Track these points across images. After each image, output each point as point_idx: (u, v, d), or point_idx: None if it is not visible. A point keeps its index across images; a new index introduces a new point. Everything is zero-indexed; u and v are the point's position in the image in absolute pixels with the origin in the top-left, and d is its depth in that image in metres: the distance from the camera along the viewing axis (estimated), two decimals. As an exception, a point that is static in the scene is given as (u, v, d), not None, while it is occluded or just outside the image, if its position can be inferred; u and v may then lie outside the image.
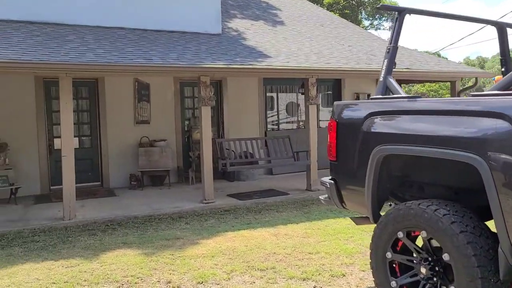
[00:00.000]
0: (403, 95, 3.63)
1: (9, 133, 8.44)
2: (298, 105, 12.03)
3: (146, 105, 9.92)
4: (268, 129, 11.44)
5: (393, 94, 3.70)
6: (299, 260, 4.85)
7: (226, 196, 8.39)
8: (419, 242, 3.29)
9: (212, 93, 7.69)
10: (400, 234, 3.28)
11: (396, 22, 3.81)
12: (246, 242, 5.52)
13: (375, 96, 3.80)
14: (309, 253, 5.05)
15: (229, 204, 7.78)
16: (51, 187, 9.07)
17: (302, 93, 9.26)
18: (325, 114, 12.45)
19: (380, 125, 3.56)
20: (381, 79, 3.79)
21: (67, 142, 6.73)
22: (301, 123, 12.06)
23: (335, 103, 4.12)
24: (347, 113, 3.99)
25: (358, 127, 3.69)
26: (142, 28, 9.33)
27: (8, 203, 8.06)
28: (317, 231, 5.96)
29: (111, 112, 9.52)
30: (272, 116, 11.72)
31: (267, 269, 4.60)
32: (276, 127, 11.67)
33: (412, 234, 3.30)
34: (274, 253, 5.09)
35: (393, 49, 3.78)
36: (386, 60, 3.80)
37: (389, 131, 3.46)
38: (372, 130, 3.58)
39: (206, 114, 7.72)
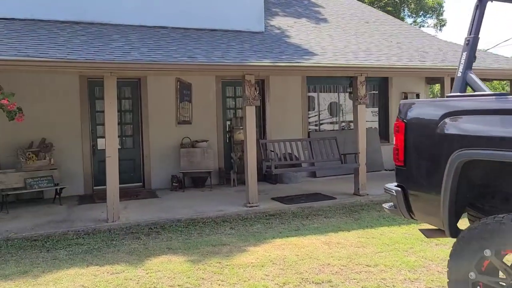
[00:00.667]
0: (488, 92, 3.19)
1: (54, 133, 8.48)
2: (340, 105, 11.59)
3: (187, 105, 9.75)
4: (310, 130, 11.04)
5: (475, 91, 3.25)
6: (356, 273, 4.47)
7: (270, 200, 8.08)
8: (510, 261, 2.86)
9: (257, 92, 7.40)
10: (488, 253, 2.85)
11: (476, 10, 3.36)
12: (297, 250, 5.18)
13: (452, 94, 3.36)
14: (367, 266, 4.65)
15: (274, 208, 7.46)
16: (94, 188, 9.06)
17: (350, 93, 8.83)
18: (369, 115, 11.93)
19: (460, 127, 3.13)
20: (459, 74, 3.36)
21: (111, 143, 6.62)
22: (343, 123, 11.60)
23: (402, 101, 3.71)
24: (417, 113, 3.57)
25: (431, 128, 3.28)
26: (184, 27, 9.17)
27: (53, 203, 8.07)
28: (372, 241, 5.54)
29: (153, 112, 9.42)
30: (313, 116, 11.31)
31: (322, 282, 4.25)
32: (317, 127, 11.25)
33: (502, 252, 2.86)
34: (328, 264, 4.72)
35: (473, 40, 3.34)
36: (465, 53, 3.36)
37: (473, 134, 3.03)
38: (450, 132, 3.16)
39: (250, 114, 7.44)
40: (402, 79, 11.50)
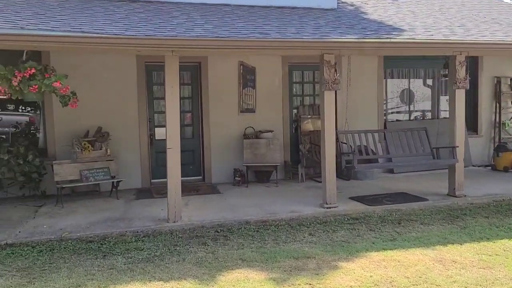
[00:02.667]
0: None
1: (110, 121, 7.85)
2: (414, 92, 10.26)
3: (251, 92, 8.83)
4: (387, 120, 9.80)
5: None
6: (497, 309, 3.36)
7: (348, 199, 7.01)
8: None
9: (338, 75, 6.32)
10: None
11: None
12: (404, 270, 4.12)
13: None
14: (508, 298, 3.52)
15: (355, 210, 6.40)
16: (152, 180, 8.39)
17: (444, 75, 7.54)
18: (445, 104, 10.51)
19: None
20: None
21: (173, 133, 5.82)
22: (416, 113, 10.27)
23: None
24: None
25: None
26: (249, 4, 8.21)
27: (110, 197, 7.46)
28: (497, 259, 4.37)
29: (214, 99, 8.58)
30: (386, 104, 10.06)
31: (455, 321, 3.18)
32: (390, 117, 9.98)
33: None
34: (454, 292, 3.63)
35: None
36: None
37: None
38: None
39: (329, 100, 6.38)
40: (495, 60, 9.96)
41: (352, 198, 7.07)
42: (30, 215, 6.36)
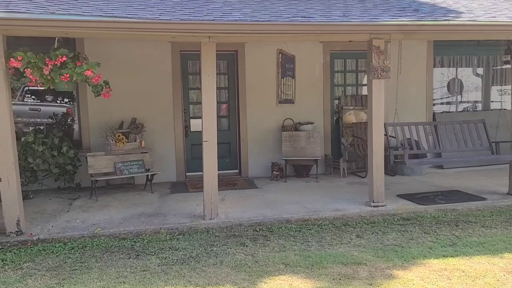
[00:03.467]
0: None
1: (144, 113, 7.60)
2: (462, 82, 9.49)
3: (290, 81, 8.37)
4: (436, 112, 9.12)
5: None
6: None
7: (396, 197, 6.47)
8: None
9: (388, 62, 5.77)
10: None
11: None
12: (471, 283, 3.60)
13: None
14: None
15: (405, 210, 5.86)
16: (187, 174, 8.12)
17: (506, 61, 6.82)
18: (494, 93, 9.71)
19: None
20: None
21: (209, 125, 5.47)
22: (465, 104, 9.51)
23: None
24: None
25: None
26: (289, -12, 7.72)
27: (144, 190, 7.24)
28: None
29: (251, 89, 8.18)
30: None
31: None
32: (435, 109, 9.27)
33: None
34: (536, 313, 3.10)
35: None
36: None
37: None
38: None
39: (378, 89, 5.85)
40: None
41: (401, 196, 6.52)
42: (64, 208, 6.20)
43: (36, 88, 12.52)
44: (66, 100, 10.82)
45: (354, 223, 5.42)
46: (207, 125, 5.46)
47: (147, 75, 7.65)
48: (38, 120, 10.89)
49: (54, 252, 4.54)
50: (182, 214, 5.81)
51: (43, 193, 7.03)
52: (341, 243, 4.72)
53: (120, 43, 7.38)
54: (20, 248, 4.67)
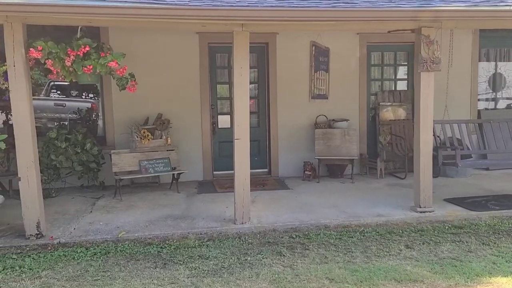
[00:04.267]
0: None
1: (170, 108, 7.23)
2: (504, 77, 8.76)
3: (324, 75, 7.86)
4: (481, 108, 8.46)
5: None
6: None
7: (443, 202, 5.90)
8: None
9: (438, 53, 5.21)
10: None
11: None
12: (555, 309, 3.06)
13: None
14: None
15: (456, 216, 5.31)
16: (214, 172, 7.72)
17: None
18: None
19: None
20: None
21: (242, 121, 5.04)
22: (506, 101, 8.78)
23: None
24: None
25: None
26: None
27: (170, 189, 6.88)
28: None
29: (282, 84, 7.70)
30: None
31: None
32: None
33: None
34: None
35: None
36: None
37: None
38: None
39: (427, 83, 5.30)
40: None
41: (448, 201, 5.95)
42: (87, 208, 5.89)
43: (62, 82, 12.42)
44: (91, 95, 10.58)
45: (400, 231, 4.91)
46: (239, 121, 5.03)
47: (173, 69, 7.27)
48: (63, 115, 10.71)
49: (75, 258, 4.20)
50: (211, 217, 5.40)
51: (66, 191, 6.75)
52: (390, 255, 4.22)
53: (146, 34, 7.03)
54: (40, 253, 4.34)
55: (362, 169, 7.91)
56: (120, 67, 4.50)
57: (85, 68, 4.43)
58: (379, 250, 4.34)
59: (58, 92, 12.35)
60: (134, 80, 4.83)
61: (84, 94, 11.62)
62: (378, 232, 4.90)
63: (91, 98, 10.65)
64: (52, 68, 4.42)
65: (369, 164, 7.85)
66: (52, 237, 4.67)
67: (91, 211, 5.74)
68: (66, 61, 4.40)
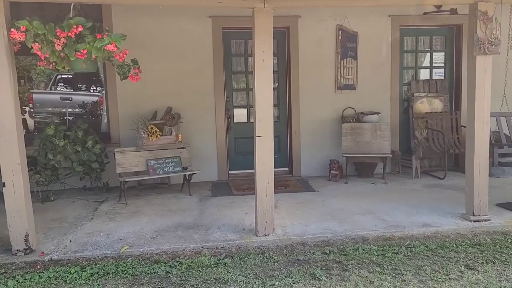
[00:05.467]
0: None
1: (181, 101, 6.50)
2: None
3: (351, 63, 7.04)
4: None
5: None
6: None
7: (496, 207, 5.07)
8: None
9: (498, 32, 4.37)
10: None
11: None
12: None
13: None
14: None
15: (517, 226, 4.49)
16: (229, 172, 6.98)
17: None
18: None
19: None
20: None
21: (264, 115, 4.28)
22: None
23: None
24: None
25: None
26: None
27: (181, 192, 6.17)
28: None
29: (305, 73, 6.91)
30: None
31: None
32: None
33: None
34: None
35: None
36: None
37: None
38: None
39: (483, 68, 4.47)
40: None
41: (502, 206, 5.12)
42: (87, 215, 5.20)
43: (68, 75, 11.77)
44: (99, 88, 9.91)
45: (454, 245, 4.11)
46: (261, 115, 4.27)
47: (184, 58, 6.53)
48: (70, 110, 10.05)
49: (68, 281, 3.49)
50: (228, 226, 4.66)
51: (67, 193, 6.08)
52: (450, 279, 3.43)
53: (153, 19, 6.31)
54: (27, 273, 3.65)
55: (394, 167, 7.09)
56: (119, 51, 3.75)
57: (79, 53, 3.70)
58: (434, 272, 3.55)
59: (66, 85, 11.73)
60: (138, 68, 4.09)
61: (92, 87, 10.98)
62: (427, 246, 4.11)
63: (99, 91, 10.00)
64: (39, 53, 3.70)
65: (401, 162, 7.03)
66: (43, 252, 3.98)
67: (91, 218, 5.05)
68: (56, 44, 3.68)
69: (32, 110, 10.71)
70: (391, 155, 6.65)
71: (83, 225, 4.81)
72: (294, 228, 4.56)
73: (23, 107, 8.77)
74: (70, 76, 11.50)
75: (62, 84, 11.70)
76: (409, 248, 4.07)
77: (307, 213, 5.06)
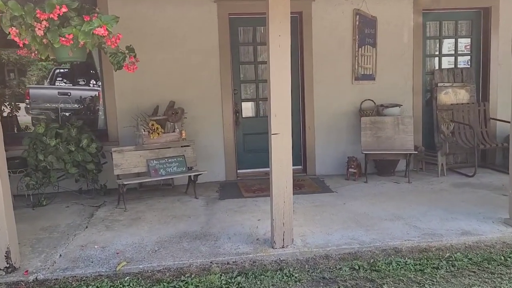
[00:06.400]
0: None
1: (184, 95, 5.95)
2: None
3: (370, 51, 6.44)
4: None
5: None
6: None
7: (541, 211, 4.49)
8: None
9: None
10: None
11: None
12: None
13: None
14: None
15: None
16: (238, 171, 6.43)
17: None
18: None
19: None
20: None
21: (281, 110, 3.74)
22: None
23: None
24: None
25: None
26: None
27: (186, 194, 5.64)
28: None
29: (319, 62, 6.32)
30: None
31: None
32: None
33: None
34: None
35: None
36: None
37: None
38: None
39: (532, 53, 3.86)
40: None
41: (547, 209, 4.54)
42: (81, 222, 4.66)
43: (66, 69, 11.21)
44: (99, 82, 9.41)
45: (502, 258, 3.55)
46: (277, 110, 3.71)
47: (187, 47, 5.96)
48: (67, 105, 9.53)
49: (53, 309, 2.96)
50: (239, 235, 4.11)
51: (61, 197, 5.57)
52: (511, 303, 2.87)
53: (153, 3, 5.73)
54: (6, 298, 3.13)
55: (417, 164, 6.52)
56: (112, 35, 3.19)
57: (63, 39, 3.13)
58: (489, 293, 3.00)
59: (65, 80, 11.21)
60: (134, 56, 3.52)
61: (92, 81, 10.45)
62: (471, 259, 3.55)
63: (99, 86, 9.49)
64: (17, 39, 3.14)
65: (425, 159, 6.45)
66: (27, 271, 3.45)
67: (86, 227, 4.51)
68: (36, 28, 3.11)
69: (28, 106, 10.20)
70: (416, 152, 6.07)
71: (76, 235, 4.27)
72: (315, 237, 4.01)
73: (17, 103, 8.25)
74: (67, 69, 10.99)
75: (60, 79, 11.18)
76: (450, 262, 3.51)
77: (327, 219, 4.50)
